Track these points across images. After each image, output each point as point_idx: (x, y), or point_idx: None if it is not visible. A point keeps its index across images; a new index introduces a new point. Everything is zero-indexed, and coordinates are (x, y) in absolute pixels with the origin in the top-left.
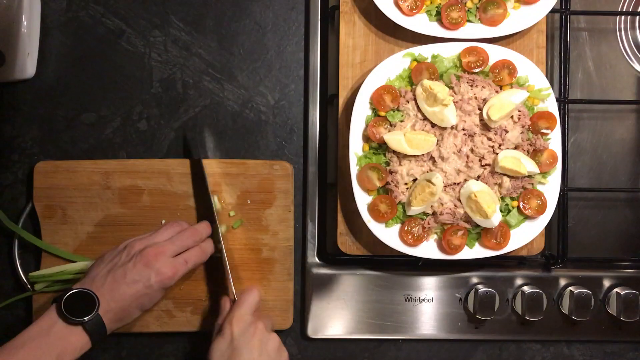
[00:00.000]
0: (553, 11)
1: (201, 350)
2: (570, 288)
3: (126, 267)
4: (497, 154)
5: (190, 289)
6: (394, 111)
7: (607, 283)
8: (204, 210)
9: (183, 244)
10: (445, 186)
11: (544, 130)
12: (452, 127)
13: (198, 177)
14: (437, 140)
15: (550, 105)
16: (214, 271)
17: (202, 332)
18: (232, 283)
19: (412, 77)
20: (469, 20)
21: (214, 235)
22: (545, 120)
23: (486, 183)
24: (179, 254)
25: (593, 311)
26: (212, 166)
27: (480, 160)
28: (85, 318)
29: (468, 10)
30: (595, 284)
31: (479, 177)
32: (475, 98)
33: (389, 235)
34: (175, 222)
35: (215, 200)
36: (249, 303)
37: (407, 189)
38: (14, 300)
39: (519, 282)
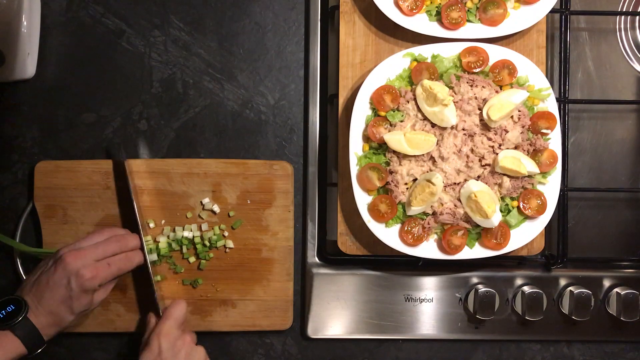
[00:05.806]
0: (553, 11)
1: None
2: (570, 288)
3: (49, 272)
4: (497, 154)
5: (190, 289)
6: (394, 111)
7: (607, 283)
8: (128, 217)
9: (107, 248)
10: (445, 186)
11: (544, 130)
12: (452, 127)
13: (121, 181)
14: (437, 140)
15: (550, 105)
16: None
17: (202, 331)
18: (157, 297)
19: (412, 77)
20: (469, 20)
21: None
22: (545, 120)
23: (486, 183)
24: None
25: (593, 311)
26: (211, 166)
27: (480, 160)
28: (11, 322)
29: (468, 10)
30: (595, 284)
31: (479, 177)
32: (475, 98)
33: (389, 235)
34: (107, 229)
35: (207, 201)
36: (175, 317)
37: (407, 189)
38: None
39: (519, 282)
